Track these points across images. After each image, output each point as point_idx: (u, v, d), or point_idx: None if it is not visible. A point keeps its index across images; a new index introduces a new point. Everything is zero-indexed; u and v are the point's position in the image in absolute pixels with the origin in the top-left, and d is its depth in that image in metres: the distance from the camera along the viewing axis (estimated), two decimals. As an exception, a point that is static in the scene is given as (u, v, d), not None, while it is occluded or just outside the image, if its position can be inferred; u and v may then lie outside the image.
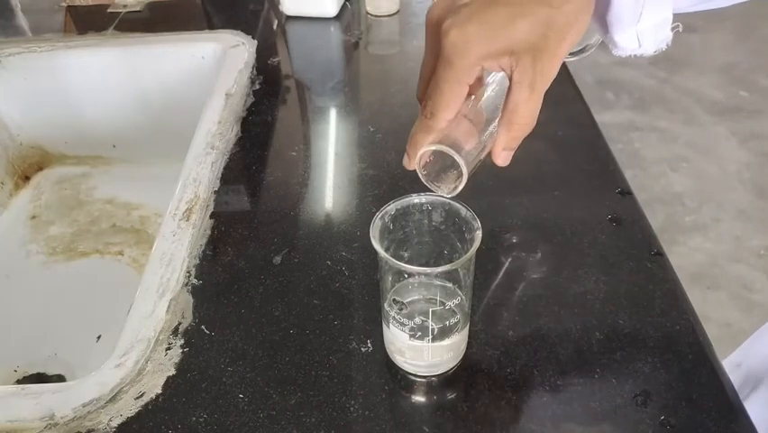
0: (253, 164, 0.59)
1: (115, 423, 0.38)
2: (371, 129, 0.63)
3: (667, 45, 0.35)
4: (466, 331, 0.40)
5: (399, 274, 0.38)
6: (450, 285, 0.38)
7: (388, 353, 0.41)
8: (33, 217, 0.78)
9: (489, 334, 0.42)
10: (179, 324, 0.44)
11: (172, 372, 0.41)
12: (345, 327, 0.43)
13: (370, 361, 0.41)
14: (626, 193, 0.53)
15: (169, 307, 0.45)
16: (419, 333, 0.38)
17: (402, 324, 0.38)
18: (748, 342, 0.59)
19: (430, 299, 0.38)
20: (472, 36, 0.31)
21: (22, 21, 0.88)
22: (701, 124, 2.08)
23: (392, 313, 0.38)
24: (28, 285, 0.71)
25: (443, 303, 0.37)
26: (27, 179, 0.83)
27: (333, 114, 0.67)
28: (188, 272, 0.48)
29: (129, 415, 0.39)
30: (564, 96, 0.66)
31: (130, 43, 0.79)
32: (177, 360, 0.42)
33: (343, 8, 0.84)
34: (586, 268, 0.46)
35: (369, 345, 0.42)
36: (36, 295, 0.70)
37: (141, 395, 0.40)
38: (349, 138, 0.63)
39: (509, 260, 0.48)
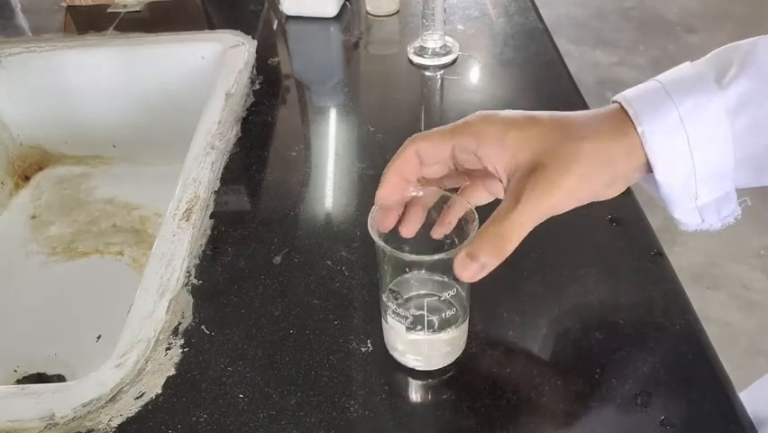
0: (253, 164, 0.59)
1: (115, 423, 0.38)
2: (371, 129, 0.63)
3: (735, 219, 0.34)
4: (465, 327, 0.40)
5: (398, 269, 0.38)
6: (448, 279, 0.38)
7: (388, 348, 0.41)
8: (33, 217, 0.78)
9: (489, 334, 0.42)
10: (179, 324, 0.44)
11: (172, 372, 0.41)
12: (345, 327, 0.43)
13: (370, 361, 0.41)
14: (626, 193, 0.53)
15: (169, 307, 0.45)
16: (417, 326, 0.38)
17: (400, 315, 0.38)
18: (754, 387, 0.58)
19: (428, 293, 0.38)
20: None
21: (22, 21, 0.88)
22: (701, 124, 2.08)
23: (390, 304, 0.38)
24: (28, 285, 0.71)
25: (440, 296, 0.37)
26: (27, 179, 0.83)
27: (333, 114, 0.67)
28: (188, 272, 0.48)
29: (129, 415, 0.39)
30: (564, 96, 0.66)
31: (130, 43, 0.79)
32: (177, 360, 0.42)
33: (343, 8, 0.84)
34: (586, 268, 0.46)
35: (369, 345, 0.42)
36: (36, 295, 0.70)
37: (141, 395, 0.40)
38: (349, 138, 0.63)
39: (509, 260, 0.48)
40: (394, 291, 0.38)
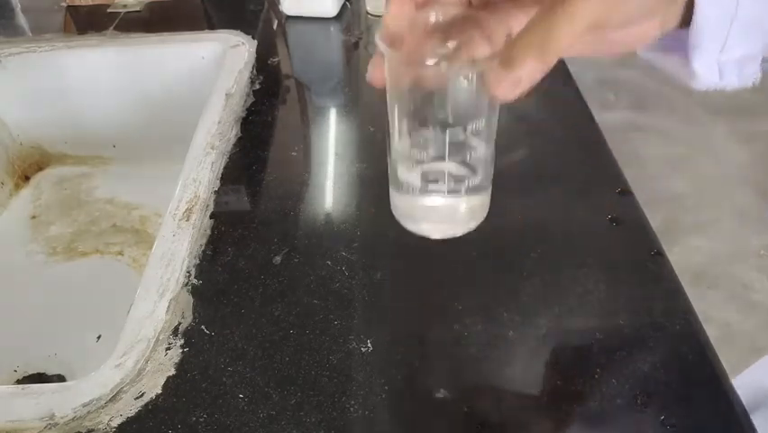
0: (253, 164, 0.59)
1: (115, 423, 0.38)
2: (371, 129, 0.63)
3: (754, 83, 0.32)
4: (487, 195, 0.35)
5: (413, 117, 0.32)
6: (468, 135, 0.32)
7: (399, 219, 0.36)
8: (33, 217, 0.78)
9: (490, 334, 0.42)
10: (179, 324, 0.44)
11: (172, 372, 0.41)
12: (345, 327, 0.43)
13: (370, 361, 0.41)
14: (626, 193, 0.53)
15: (169, 307, 0.45)
16: (435, 179, 0.33)
17: (416, 161, 0.32)
18: (747, 372, 0.58)
19: (447, 150, 0.32)
20: None
21: (22, 21, 0.88)
22: (701, 123, 2.08)
23: (405, 151, 0.32)
24: (28, 285, 0.71)
25: (464, 127, 0.31)
26: (27, 179, 0.83)
27: (333, 114, 0.67)
28: (188, 272, 0.48)
29: (129, 415, 0.39)
30: (564, 96, 0.66)
31: (130, 43, 0.79)
32: (177, 360, 0.42)
33: (343, 8, 0.84)
34: (586, 268, 0.46)
35: (369, 345, 0.42)
36: (36, 295, 0.70)
37: (141, 395, 0.40)
38: (349, 138, 0.63)
39: (509, 260, 0.48)
40: (416, 119, 0.31)
